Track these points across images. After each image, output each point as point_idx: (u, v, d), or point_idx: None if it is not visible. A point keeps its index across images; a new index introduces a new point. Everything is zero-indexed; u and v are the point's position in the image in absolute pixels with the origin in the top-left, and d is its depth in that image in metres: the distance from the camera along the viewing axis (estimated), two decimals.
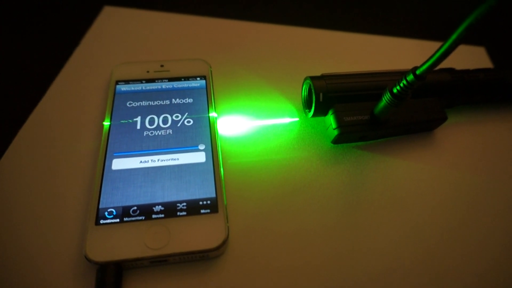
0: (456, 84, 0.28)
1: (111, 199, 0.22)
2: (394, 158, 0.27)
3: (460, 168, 0.27)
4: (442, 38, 0.19)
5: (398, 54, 0.35)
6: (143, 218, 0.21)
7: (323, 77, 0.27)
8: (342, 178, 0.26)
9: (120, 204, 0.22)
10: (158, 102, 0.28)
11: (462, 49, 0.18)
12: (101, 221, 0.21)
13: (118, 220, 0.21)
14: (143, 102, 0.28)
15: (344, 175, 0.26)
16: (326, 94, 0.26)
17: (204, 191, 0.23)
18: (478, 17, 0.17)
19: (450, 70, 0.29)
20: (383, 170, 0.26)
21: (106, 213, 0.22)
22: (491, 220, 0.24)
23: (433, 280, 0.21)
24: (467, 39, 0.18)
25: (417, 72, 0.20)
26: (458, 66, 0.30)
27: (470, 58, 0.35)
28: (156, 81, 0.29)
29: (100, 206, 0.22)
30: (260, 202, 0.24)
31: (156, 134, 0.26)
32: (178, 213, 0.22)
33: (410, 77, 0.21)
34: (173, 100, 0.28)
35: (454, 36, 0.18)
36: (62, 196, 0.23)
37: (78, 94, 0.29)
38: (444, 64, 0.20)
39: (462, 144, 0.28)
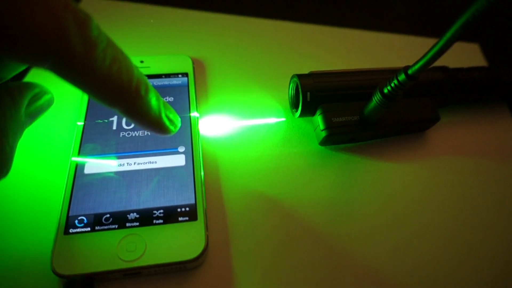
0: (449, 83, 0.27)
1: (82, 206, 0.21)
2: (385, 160, 0.26)
3: (453, 170, 0.26)
4: (437, 34, 0.18)
5: (392, 51, 0.34)
6: (116, 226, 0.20)
7: (311, 75, 0.25)
8: (331, 181, 0.24)
9: (91, 212, 0.20)
10: None
11: (455, 46, 0.17)
12: (71, 230, 0.20)
13: (89, 229, 0.20)
14: None
15: (333, 178, 0.25)
16: (314, 93, 0.25)
17: (182, 197, 0.21)
18: (475, 14, 0.16)
19: (443, 69, 0.28)
20: (373, 173, 0.25)
21: (76, 221, 0.20)
22: (485, 222, 0.24)
23: (425, 285, 0.21)
24: (461, 35, 0.17)
25: (409, 71, 0.19)
26: (451, 64, 0.29)
27: (463, 55, 0.34)
28: None
29: (70, 214, 0.20)
30: (243, 209, 0.22)
31: (133, 135, 0.24)
32: (154, 221, 0.20)
33: (402, 77, 0.20)
34: None
35: (449, 34, 0.17)
36: (30, 202, 0.22)
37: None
38: (436, 62, 0.19)
39: (456, 145, 0.27)
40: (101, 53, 0.13)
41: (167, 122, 0.18)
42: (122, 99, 0.15)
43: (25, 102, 0.17)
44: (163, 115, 0.17)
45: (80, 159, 0.23)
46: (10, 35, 0.12)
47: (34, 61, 0.13)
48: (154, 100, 0.16)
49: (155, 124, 0.17)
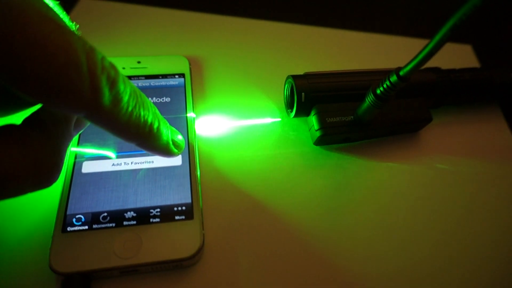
0: (442, 84, 0.28)
1: (80, 205, 0.21)
2: (378, 160, 0.26)
3: (446, 170, 0.26)
4: (431, 35, 0.18)
5: (385, 52, 0.35)
6: (114, 225, 0.20)
7: (306, 76, 0.26)
8: (325, 180, 0.25)
9: (89, 210, 0.21)
10: None
11: (448, 47, 0.17)
12: (68, 229, 0.20)
13: (86, 227, 0.20)
14: None
15: (327, 178, 0.25)
16: (309, 94, 0.25)
17: (179, 196, 0.22)
18: (462, 17, 0.16)
19: (436, 70, 0.28)
20: (367, 172, 0.26)
21: (74, 219, 0.20)
22: (477, 222, 0.24)
23: (418, 285, 0.21)
24: (453, 37, 0.17)
25: (401, 73, 0.20)
26: (444, 65, 0.29)
27: (456, 56, 0.35)
28: (132, 78, 0.28)
29: (68, 212, 0.21)
30: (238, 208, 0.23)
31: None
32: (151, 220, 0.21)
33: (394, 78, 0.20)
34: (150, 99, 0.27)
35: (438, 37, 0.17)
36: (28, 201, 0.22)
37: None
38: (429, 63, 0.19)
39: (448, 145, 0.28)
40: (125, 104, 0.15)
41: (173, 148, 0.20)
42: (138, 138, 0.17)
43: (74, 118, 0.18)
44: (170, 143, 0.19)
45: (78, 159, 0.23)
46: (52, 96, 0.13)
47: (66, 112, 0.16)
48: (163, 131, 0.18)
49: (163, 152, 0.19)
